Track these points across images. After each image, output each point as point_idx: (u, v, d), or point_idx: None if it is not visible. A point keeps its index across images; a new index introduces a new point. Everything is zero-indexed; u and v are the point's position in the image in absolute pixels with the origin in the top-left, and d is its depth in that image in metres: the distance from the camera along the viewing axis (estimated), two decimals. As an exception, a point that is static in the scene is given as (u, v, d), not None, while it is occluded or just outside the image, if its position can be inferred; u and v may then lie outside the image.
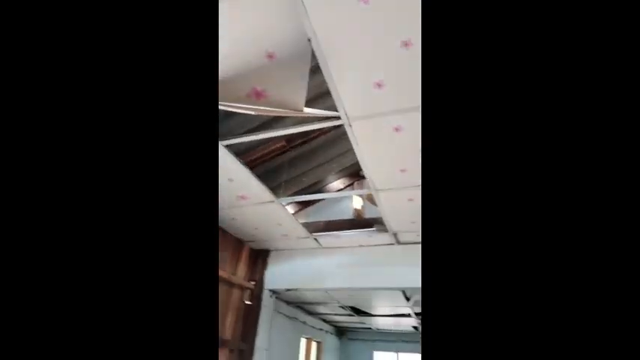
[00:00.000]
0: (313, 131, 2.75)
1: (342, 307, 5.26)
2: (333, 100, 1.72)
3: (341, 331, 7.86)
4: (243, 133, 2.10)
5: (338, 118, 1.82)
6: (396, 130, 1.87)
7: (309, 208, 3.95)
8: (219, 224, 3.27)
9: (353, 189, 3.74)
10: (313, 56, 1.46)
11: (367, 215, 3.79)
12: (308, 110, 1.80)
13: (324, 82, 1.61)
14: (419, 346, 7.32)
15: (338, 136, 2.87)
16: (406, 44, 1.36)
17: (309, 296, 4.56)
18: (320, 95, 2.08)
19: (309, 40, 1.37)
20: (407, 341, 7.42)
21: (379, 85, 1.57)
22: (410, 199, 2.60)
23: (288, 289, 3.80)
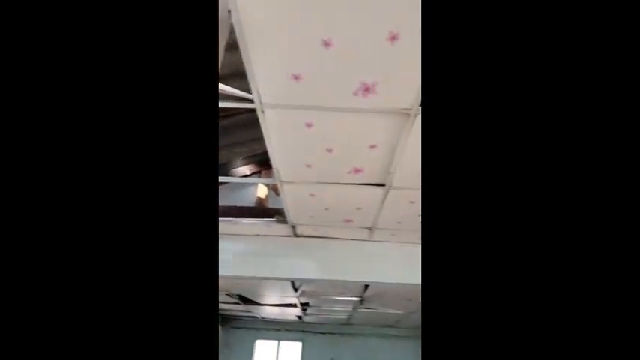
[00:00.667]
0: (224, 110, 2.60)
1: (230, 295, 5.16)
2: (248, 83, 1.65)
3: (225, 319, 7.70)
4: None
5: (251, 101, 1.76)
6: (307, 125, 1.91)
7: (210, 191, 3.74)
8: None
9: (260, 177, 3.69)
10: (232, 31, 1.37)
11: (270, 205, 3.79)
12: (220, 86, 1.69)
13: (241, 61, 1.53)
14: (300, 335, 7.69)
15: (251, 121, 2.78)
16: (327, 44, 1.39)
17: (195, 282, 4.32)
18: (236, 75, 1.98)
19: (229, 12, 1.28)
20: (289, 330, 7.71)
21: (297, 78, 1.57)
22: (312, 195, 2.69)
23: (173, 274, 3.54)
